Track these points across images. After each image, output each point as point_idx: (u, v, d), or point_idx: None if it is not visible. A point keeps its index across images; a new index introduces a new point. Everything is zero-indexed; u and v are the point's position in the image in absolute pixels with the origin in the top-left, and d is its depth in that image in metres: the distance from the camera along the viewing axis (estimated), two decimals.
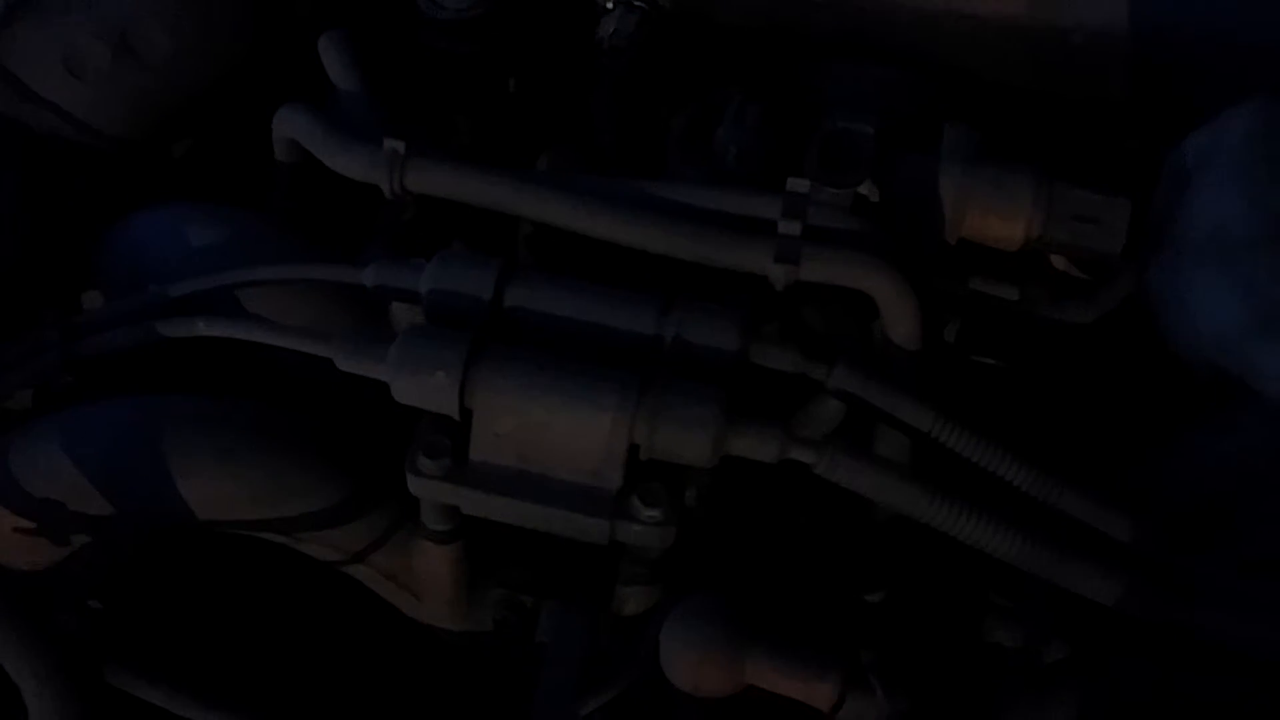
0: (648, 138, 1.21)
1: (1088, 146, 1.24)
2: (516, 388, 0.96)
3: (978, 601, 1.03)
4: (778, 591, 1.05)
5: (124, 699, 1.00)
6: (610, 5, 1.24)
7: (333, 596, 1.11)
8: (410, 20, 1.25)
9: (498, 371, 0.96)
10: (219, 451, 1.03)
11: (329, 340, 1.00)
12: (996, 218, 1.08)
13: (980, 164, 1.09)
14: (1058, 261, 1.17)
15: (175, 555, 1.11)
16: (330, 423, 1.09)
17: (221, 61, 1.26)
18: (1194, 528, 0.99)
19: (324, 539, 1.06)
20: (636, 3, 1.24)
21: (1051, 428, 1.12)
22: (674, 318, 0.99)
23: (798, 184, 1.01)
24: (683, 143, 1.16)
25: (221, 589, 1.14)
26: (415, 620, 1.11)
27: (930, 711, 0.96)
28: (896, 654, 0.97)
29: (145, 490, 1.02)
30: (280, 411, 1.07)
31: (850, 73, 1.20)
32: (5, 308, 1.16)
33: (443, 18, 1.23)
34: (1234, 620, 0.95)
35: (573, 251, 1.09)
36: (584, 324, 0.99)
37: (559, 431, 0.96)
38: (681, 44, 1.26)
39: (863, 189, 1.07)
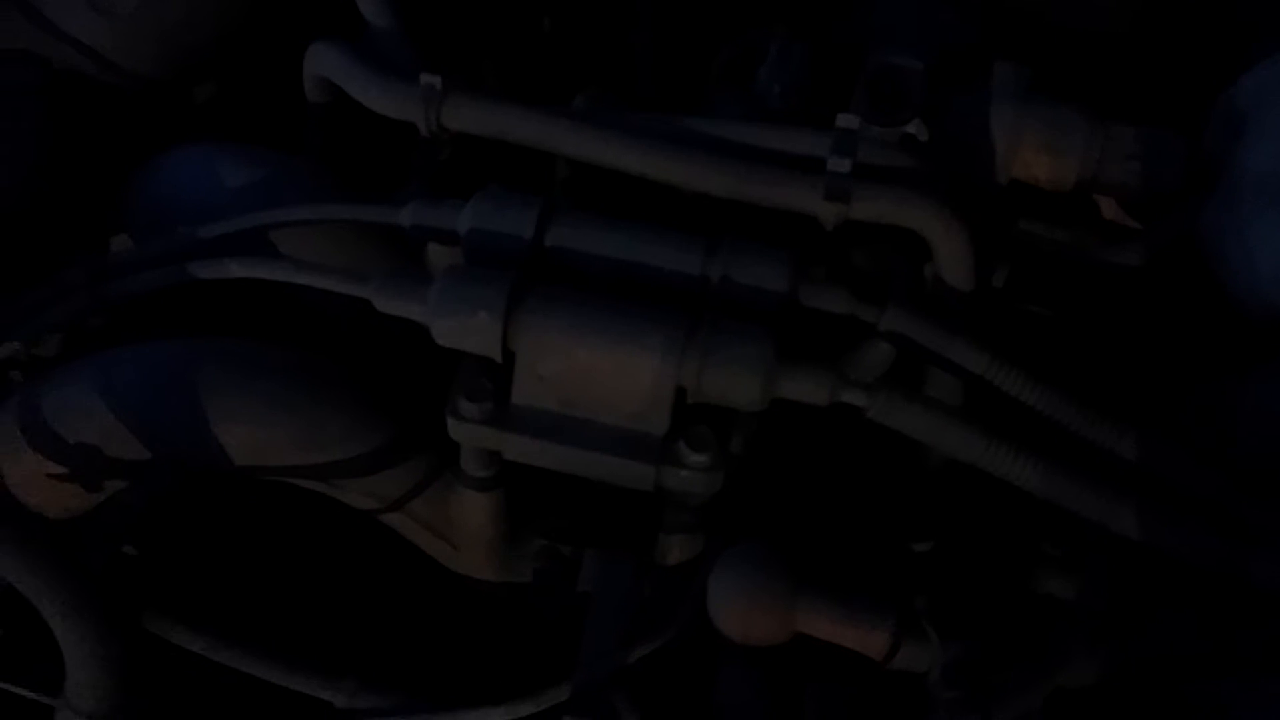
0: (688, 78, 1.18)
1: (1133, 83, 1.21)
2: (561, 328, 0.93)
3: (1031, 551, 1.01)
4: (827, 539, 1.03)
5: (162, 646, 0.98)
6: None
7: (371, 545, 1.09)
8: None
9: (541, 312, 0.94)
10: (256, 396, 1.01)
11: (366, 281, 0.98)
12: (1049, 157, 1.05)
13: (1032, 102, 1.06)
14: (1106, 208, 1.14)
15: (211, 501, 1.09)
16: (368, 367, 1.06)
17: None
18: (1255, 475, 0.97)
19: (362, 486, 1.05)
20: None
21: (1102, 374, 1.10)
22: (721, 258, 0.96)
23: (847, 120, 0.98)
24: (724, 82, 1.13)
25: (259, 536, 1.12)
26: (453, 571, 1.09)
27: (985, 658, 0.94)
28: (950, 601, 0.95)
29: (182, 435, 1.00)
30: (317, 356, 1.05)
31: (897, 6, 1.17)
32: (34, 249, 1.14)
33: None
34: None
35: (611, 194, 1.06)
36: (628, 264, 0.97)
37: (604, 374, 0.94)
38: None
39: (911, 128, 1.04)
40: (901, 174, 1.02)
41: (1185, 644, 0.96)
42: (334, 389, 1.04)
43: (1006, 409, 0.97)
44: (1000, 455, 0.93)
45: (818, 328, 0.98)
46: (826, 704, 0.95)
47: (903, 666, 0.93)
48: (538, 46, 1.27)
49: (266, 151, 1.15)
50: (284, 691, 1.01)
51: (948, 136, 1.06)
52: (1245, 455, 0.99)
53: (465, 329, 0.94)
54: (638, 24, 1.21)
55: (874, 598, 0.94)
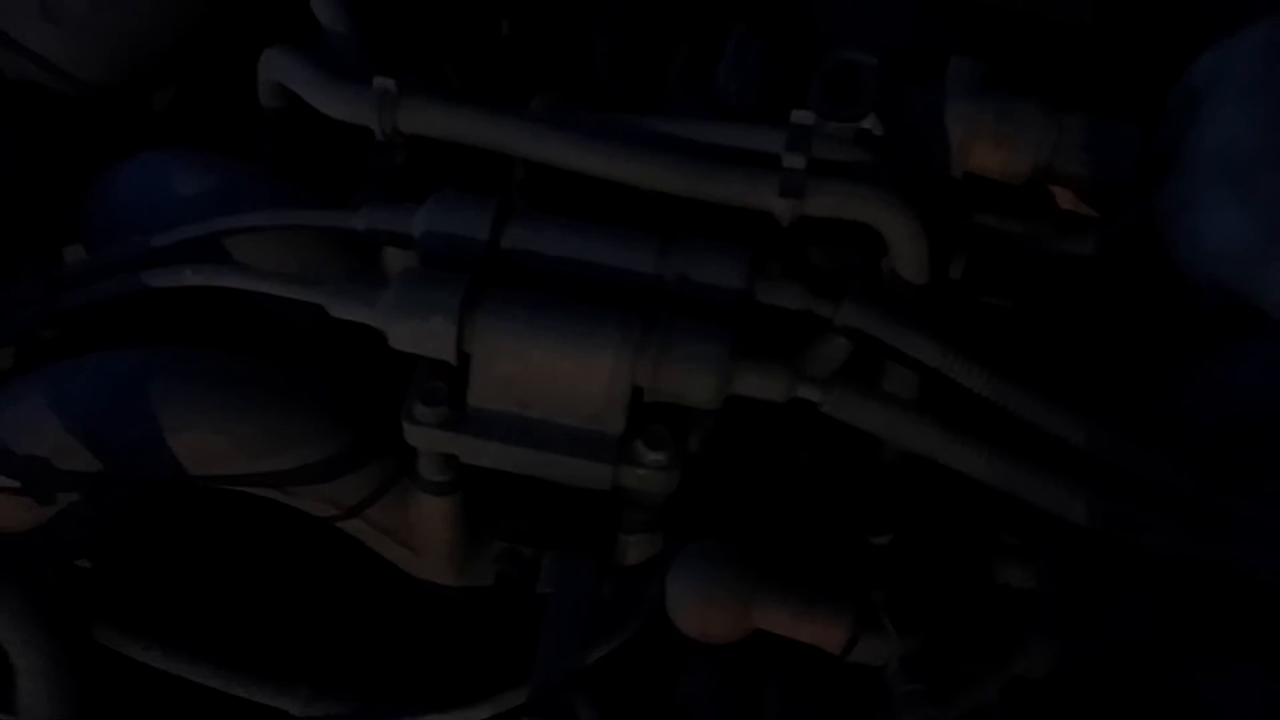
0: (646, 78, 1.18)
1: (1093, 74, 1.21)
2: (515, 330, 0.93)
3: (988, 542, 1.01)
4: (785, 535, 1.03)
5: (114, 658, 0.98)
6: None
7: (329, 552, 1.08)
8: None
9: (496, 314, 0.93)
10: (209, 404, 1.00)
11: (320, 286, 0.97)
12: (1004, 150, 1.06)
13: (986, 96, 1.06)
14: (1062, 198, 1.14)
15: (166, 511, 1.08)
16: (323, 373, 1.06)
17: (204, 4, 1.22)
18: (1214, 460, 0.97)
19: (318, 493, 1.04)
20: None
21: (1060, 364, 1.10)
22: (676, 256, 0.96)
23: (802, 116, 0.98)
24: (683, 79, 1.13)
25: (214, 546, 1.11)
26: (413, 576, 1.09)
27: (942, 650, 0.94)
28: (907, 593, 0.95)
29: (133, 446, 0.99)
30: (271, 362, 1.05)
31: (851, 3, 1.17)
32: None
33: None
34: (1254, 553, 0.93)
35: (567, 196, 1.06)
36: (583, 264, 0.97)
37: (560, 374, 0.93)
38: None
39: (866, 122, 1.04)
40: (857, 169, 1.02)
41: (1144, 631, 0.96)
42: (288, 395, 1.03)
43: (963, 401, 0.97)
44: (956, 448, 0.93)
45: (776, 323, 0.98)
46: (786, 699, 0.94)
47: (861, 660, 0.93)
48: (497, 47, 1.26)
49: (221, 157, 1.14)
50: (243, 702, 1.00)
51: (903, 130, 1.06)
52: (1206, 437, 0.99)
53: (420, 333, 0.93)
54: (598, 23, 1.21)
55: (831, 592, 0.93)
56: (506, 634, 1.05)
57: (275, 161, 1.16)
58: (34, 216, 1.17)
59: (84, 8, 1.17)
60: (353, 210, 1.01)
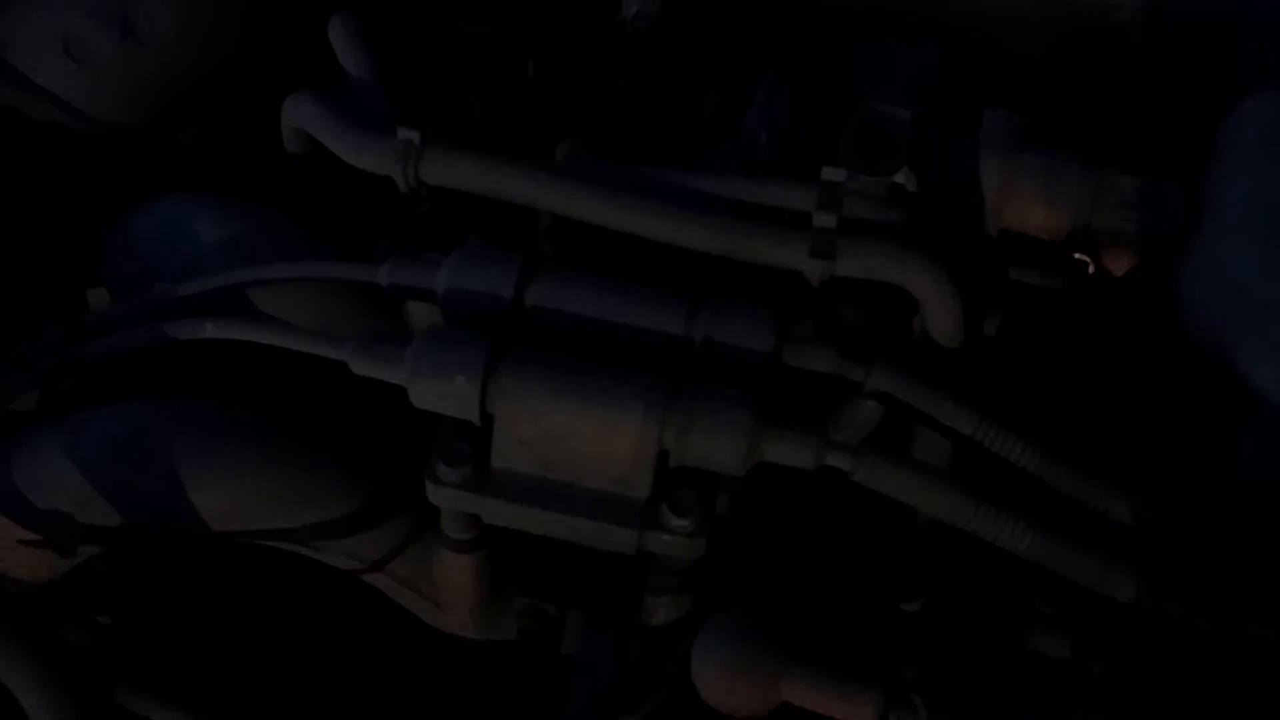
0: (673, 123, 1.16)
1: (1126, 125, 1.18)
2: (539, 392, 0.91)
3: (1021, 611, 0.99)
4: (813, 602, 1.01)
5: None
6: None
7: (353, 605, 1.07)
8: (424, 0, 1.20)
9: (519, 376, 0.92)
10: (232, 459, 0.99)
11: (343, 343, 0.96)
12: (1041, 207, 1.03)
13: (1023, 151, 1.03)
14: (1105, 255, 1.11)
15: (188, 567, 1.08)
16: (346, 428, 1.05)
17: (227, 45, 1.21)
18: (1255, 534, 0.94)
19: (341, 548, 1.03)
20: None
21: (1098, 423, 1.07)
22: (704, 317, 0.94)
23: (833, 173, 0.96)
24: (711, 128, 1.11)
25: (237, 601, 1.10)
26: (437, 630, 1.08)
27: None
28: (939, 668, 0.93)
29: (155, 500, 0.99)
30: (294, 417, 1.04)
31: (885, 52, 1.15)
32: (8, 305, 1.12)
33: None
34: None
35: (595, 245, 1.04)
36: (609, 324, 0.95)
37: (584, 438, 0.92)
38: (708, 25, 1.20)
39: (899, 177, 1.02)
40: (889, 227, 1.00)
41: (1189, 710, 0.94)
42: (310, 451, 1.02)
43: (997, 467, 0.95)
44: (989, 519, 0.91)
45: (805, 384, 0.96)
46: None
47: None
48: (523, 92, 1.25)
49: (243, 204, 1.13)
50: None
51: (937, 185, 1.04)
52: (1243, 514, 0.97)
53: (442, 393, 0.92)
54: (623, 69, 1.19)
55: (861, 668, 0.91)
56: (529, 690, 1.04)
57: (297, 207, 1.15)
58: (56, 257, 1.17)
59: (108, 50, 1.16)
60: (376, 264, 1.00)
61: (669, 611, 1.01)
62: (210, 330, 1.00)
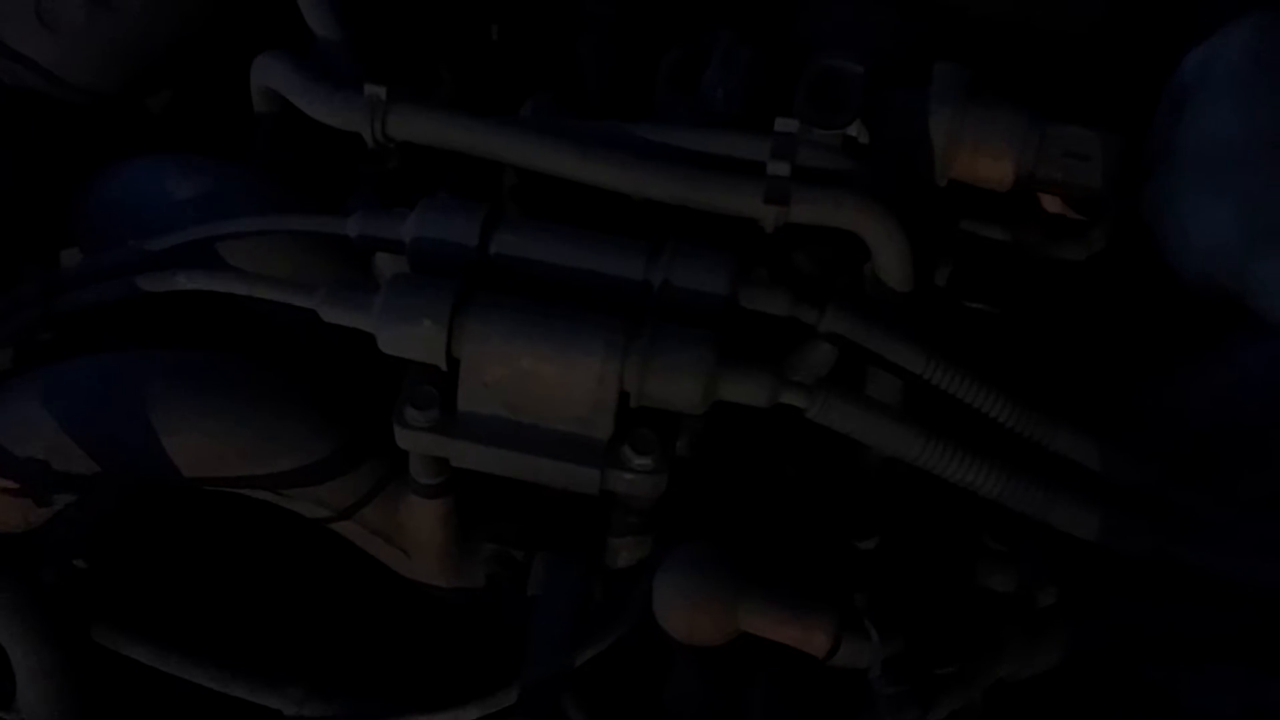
0: (635, 82, 1.19)
1: (1074, 80, 1.22)
2: (504, 335, 0.94)
3: (971, 546, 1.02)
4: (770, 539, 1.04)
5: (112, 657, 0.99)
6: None
7: (322, 554, 1.10)
8: None
9: (485, 319, 0.94)
10: (204, 407, 1.02)
11: (312, 291, 0.98)
12: (987, 157, 1.06)
13: (970, 103, 1.07)
14: (1050, 203, 1.15)
15: (161, 512, 1.10)
16: (316, 376, 1.07)
17: (199, 9, 1.23)
18: (1191, 463, 0.98)
19: (311, 495, 1.05)
20: None
21: (1046, 370, 1.11)
22: (662, 262, 0.97)
23: (786, 124, 0.99)
24: (670, 85, 1.14)
25: (208, 547, 1.12)
26: (405, 577, 1.10)
27: (925, 654, 0.95)
28: (890, 598, 0.96)
29: (129, 448, 1.01)
30: (265, 365, 1.06)
31: (839, 10, 1.18)
32: None
33: None
34: (1232, 556, 0.94)
35: (557, 200, 1.07)
36: (571, 270, 0.98)
37: (548, 379, 0.94)
38: None
39: (852, 130, 1.05)
40: (842, 176, 1.03)
41: (1127, 634, 0.98)
42: (282, 398, 1.04)
43: (947, 406, 0.98)
44: (939, 454, 0.94)
45: (763, 329, 0.99)
46: (770, 701, 0.96)
47: (844, 663, 0.94)
48: (487, 52, 1.27)
49: (216, 161, 1.15)
50: (237, 702, 1.01)
51: (888, 137, 1.07)
52: (1182, 444, 1.00)
53: (410, 337, 0.94)
54: (586, 28, 1.22)
55: (815, 596, 0.95)
56: (496, 635, 1.06)
57: (268, 166, 1.17)
58: (31, 220, 1.19)
59: (80, 15, 1.17)
60: (345, 216, 1.02)
61: (632, 552, 1.04)
62: (182, 282, 1.02)
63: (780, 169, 0.98)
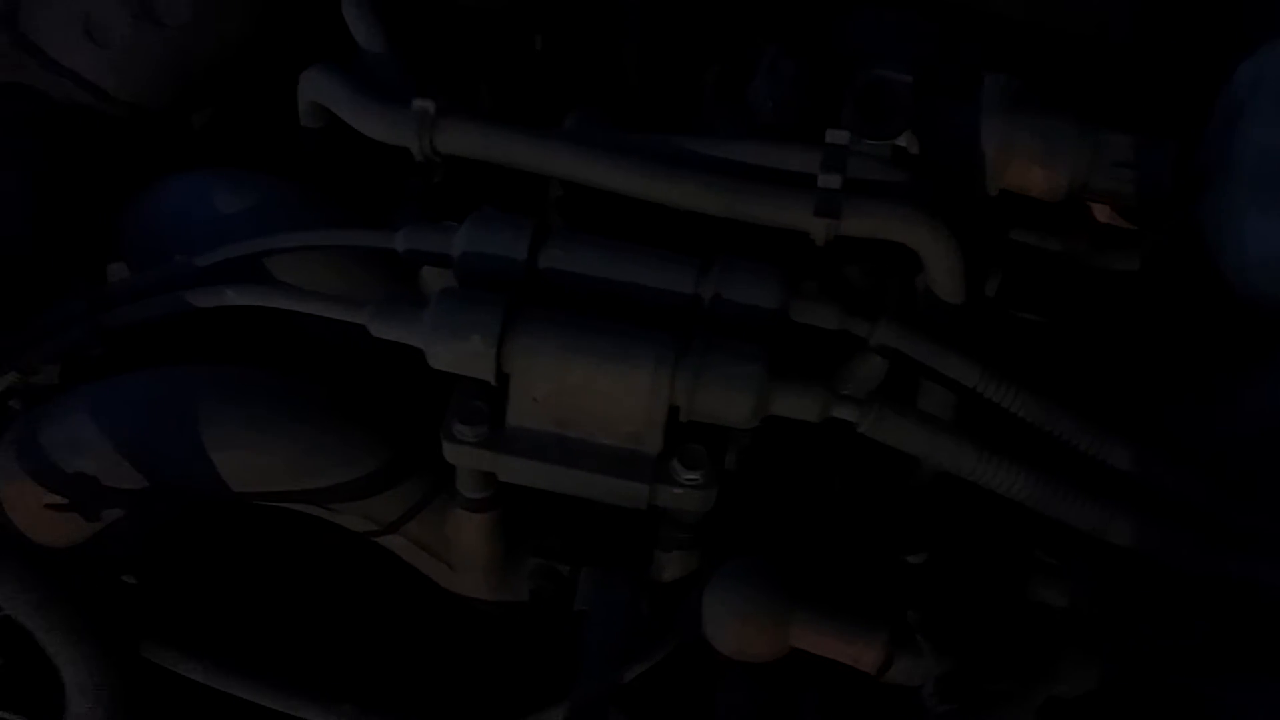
0: (679, 94, 1.19)
1: (1123, 88, 1.21)
2: (553, 350, 0.94)
3: (1024, 560, 1.01)
4: (821, 553, 1.03)
5: (161, 673, 0.99)
6: None
7: (367, 567, 1.10)
8: None
9: (534, 334, 0.94)
10: (252, 422, 1.02)
11: (361, 307, 0.98)
12: (1040, 168, 1.05)
13: (1021, 113, 1.06)
14: (1100, 213, 1.14)
15: (210, 528, 1.10)
16: (364, 391, 1.07)
17: (244, 25, 1.23)
18: (1240, 477, 0.96)
19: (358, 509, 1.05)
20: None
21: (1098, 381, 1.10)
22: (713, 276, 0.97)
23: (837, 135, 0.99)
24: (716, 98, 1.14)
25: (257, 561, 1.12)
26: (450, 591, 1.10)
27: (978, 670, 0.94)
28: (943, 614, 0.95)
29: (178, 463, 1.01)
30: (313, 380, 1.06)
31: (887, 20, 1.17)
32: (32, 280, 1.14)
33: None
34: None
35: (604, 214, 1.07)
36: (621, 285, 0.97)
37: (597, 395, 0.94)
38: None
39: (902, 140, 1.05)
40: (892, 187, 1.02)
41: (1178, 650, 0.96)
42: (329, 413, 1.04)
43: (999, 419, 0.97)
44: (992, 468, 0.94)
45: (812, 342, 0.98)
46: (822, 716, 0.95)
47: (897, 680, 0.93)
48: (531, 65, 1.27)
49: (262, 176, 1.15)
50: (287, 718, 1.01)
51: (938, 148, 1.06)
52: (1238, 458, 0.99)
53: (459, 353, 0.94)
54: (629, 40, 1.21)
55: (867, 612, 0.94)
56: (543, 650, 1.06)
57: (315, 181, 1.18)
58: (77, 235, 1.19)
59: (128, 30, 1.18)
60: (393, 230, 1.02)
61: (680, 566, 1.03)
62: (231, 297, 1.03)
63: (832, 181, 0.98)
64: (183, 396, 1.02)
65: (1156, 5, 1.17)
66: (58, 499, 1.00)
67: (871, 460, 1.01)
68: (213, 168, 1.17)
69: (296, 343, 1.09)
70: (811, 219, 0.98)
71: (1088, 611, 0.97)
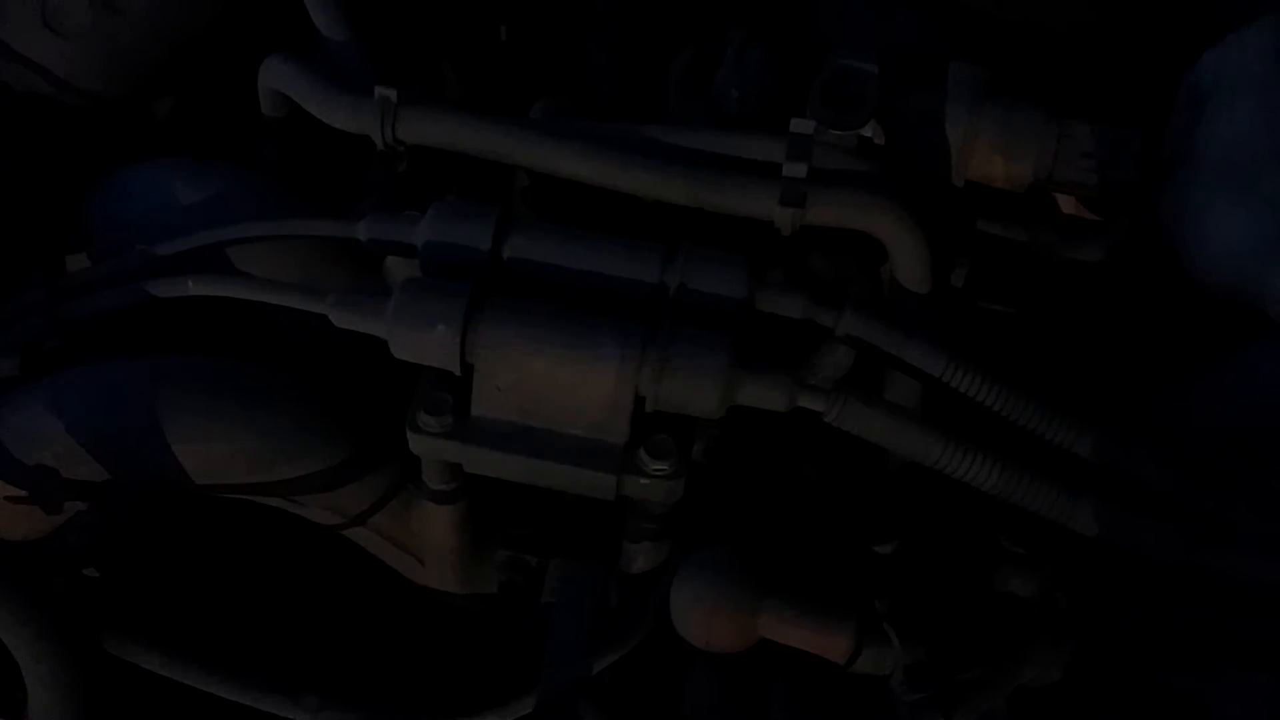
0: (646, 83, 1.18)
1: (1095, 78, 1.21)
2: (518, 340, 0.93)
3: (991, 550, 1.01)
4: (789, 544, 1.03)
5: (123, 667, 0.98)
6: None
7: (335, 561, 1.09)
8: None
9: (498, 324, 0.93)
10: (214, 413, 1.01)
11: (323, 296, 0.97)
12: (1004, 157, 1.06)
13: (986, 103, 1.06)
14: (1065, 204, 1.14)
15: (173, 520, 1.09)
16: (327, 381, 1.06)
17: (204, 13, 1.22)
18: (1217, 467, 0.97)
19: (323, 501, 1.04)
20: None
21: (1065, 372, 1.10)
22: (678, 265, 0.96)
23: (802, 125, 0.98)
24: (682, 86, 1.13)
25: (221, 554, 1.11)
26: (418, 584, 1.09)
27: (947, 660, 0.94)
28: (911, 603, 0.95)
29: (139, 455, 1.00)
30: (276, 371, 1.05)
31: (852, 9, 1.17)
32: None
33: None
34: (1258, 562, 0.93)
35: (569, 204, 1.06)
36: (585, 274, 0.97)
37: (563, 384, 0.93)
38: None
39: (867, 130, 1.04)
40: (858, 177, 1.02)
41: (1150, 639, 0.97)
42: (292, 404, 1.03)
43: (966, 409, 0.97)
44: (958, 458, 0.93)
45: (779, 332, 0.98)
46: (791, 708, 0.95)
47: (865, 669, 0.93)
48: (496, 52, 1.26)
49: (221, 166, 1.14)
50: (252, 711, 1.00)
51: (904, 138, 1.06)
52: (1212, 443, 0.99)
53: (423, 343, 0.93)
54: (597, 29, 1.21)
55: (835, 602, 0.94)
56: (512, 642, 1.06)
57: (276, 170, 1.17)
58: (36, 225, 1.18)
59: (85, 18, 1.17)
60: (355, 220, 1.01)
61: (648, 558, 1.03)
62: (192, 287, 1.02)
63: (797, 170, 0.97)
64: (142, 387, 1.00)
65: None
66: (16, 491, 0.99)
67: (839, 450, 1.01)
68: (174, 157, 1.15)
69: (259, 333, 1.08)
70: (776, 208, 0.98)
71: (1063, 605, 0.97)
